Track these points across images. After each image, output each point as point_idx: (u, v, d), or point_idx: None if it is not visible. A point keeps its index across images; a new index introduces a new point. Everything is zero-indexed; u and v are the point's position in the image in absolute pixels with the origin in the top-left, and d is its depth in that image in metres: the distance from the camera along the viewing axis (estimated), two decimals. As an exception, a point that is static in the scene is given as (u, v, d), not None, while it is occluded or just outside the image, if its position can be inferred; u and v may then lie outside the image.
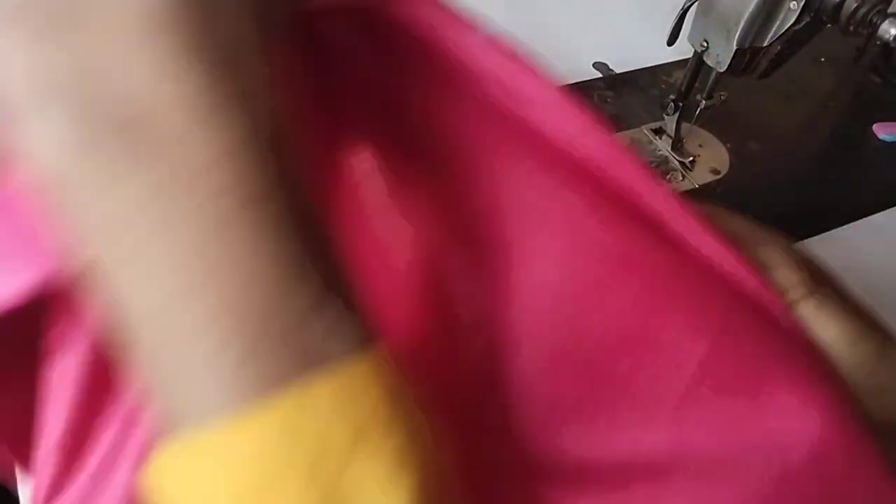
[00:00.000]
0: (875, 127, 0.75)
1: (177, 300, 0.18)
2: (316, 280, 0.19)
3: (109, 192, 0.17)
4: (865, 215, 0.66)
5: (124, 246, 0.18)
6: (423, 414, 0.20)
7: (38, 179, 0.18)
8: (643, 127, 0.69)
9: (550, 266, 0.27)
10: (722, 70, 0.57)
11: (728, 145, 0.68)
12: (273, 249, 0.18)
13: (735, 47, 0.55)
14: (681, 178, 0.65)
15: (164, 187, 0.17)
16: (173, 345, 0.18)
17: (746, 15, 0.53)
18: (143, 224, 0.17)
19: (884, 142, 0.74)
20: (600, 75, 0.75)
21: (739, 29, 0.54)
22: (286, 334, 0.18)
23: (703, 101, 0.62)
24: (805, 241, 0.63)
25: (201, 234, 0.18)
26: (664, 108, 0.65)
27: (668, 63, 0.76)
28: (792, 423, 0.26)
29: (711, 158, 0.67)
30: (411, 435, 0.19)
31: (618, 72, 0.76)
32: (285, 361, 0.18)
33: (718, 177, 0.65)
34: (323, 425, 0.18)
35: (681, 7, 0.60)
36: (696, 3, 0.58)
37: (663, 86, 0.74)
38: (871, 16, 0.51)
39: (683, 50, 0.64)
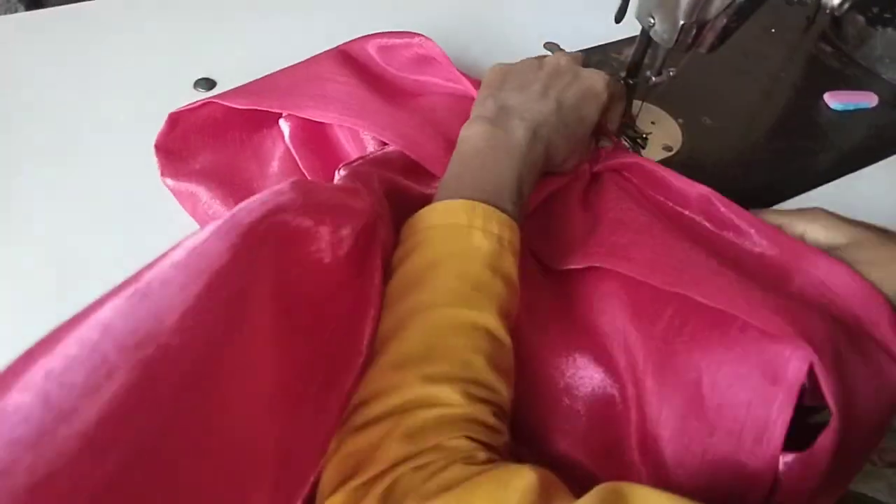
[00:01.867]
0: (826, 96, 0.75)
1: (468, 172, 0.48)
2: (512, 198, 0.47)
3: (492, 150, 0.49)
4: (817, 186, 0.66)
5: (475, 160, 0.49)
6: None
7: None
8: (595, 106, 0.68)
9: None
10: (669, 46, 0.57)
11: (680, 121, 0.68)
12: (510, 177, 0.48)
13: (681, 22, 0.55)
14: (634, 156, 0.64)
15: (498, 148, 0.49)
16: (455, 181, 0.48)
17: (690, -12, 0.52)
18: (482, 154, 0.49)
19: (835, 111, 0.74)
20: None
21: (684, 3, 0.54)
22: (488, 193, 0.46)
23: (653, 78, 0.61)
24: (760, 213, 0.63)
25: (496, 162, 0.48)
26: (615, 85, 0.65)
27: (618, 40, 0.75)
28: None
29: (664, 135, 0.66)
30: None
31: (569, 51, 0.75)
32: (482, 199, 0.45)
33: (671, 153, 0.65)
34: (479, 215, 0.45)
35: (627, -17, 0.59)
36: (641, -21, 0.58)
37: (614, 63, 0.74)
38: (813, -15, 0.51)
39: (633, 27, 0.63)
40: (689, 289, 0.43)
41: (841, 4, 0.50)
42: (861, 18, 0.80)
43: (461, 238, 0.44)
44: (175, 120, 0.57)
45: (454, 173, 0.49)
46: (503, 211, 0.45)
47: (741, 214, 0.53)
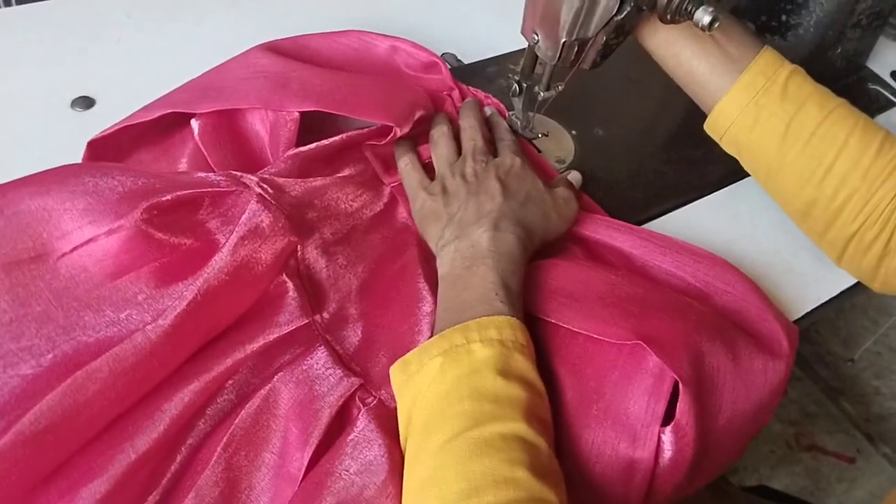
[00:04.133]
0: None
1: (454, 301, 0.48)
2: (500, 298, 0.46)
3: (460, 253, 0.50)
4: (706, 194, 0.67)
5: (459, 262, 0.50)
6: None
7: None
8: (490, 119, 0.68)
9: None
10: (553, 63, 0.57)
11: (573, 132, 0.69)
12: (492, 279, 0.47)
13: (562, 39, 0.55)
14: (527, 169, 0.64)
15: (472, 264, 0.49)
16: (445, 316, 0.47)
17: (566, 6, 0.52)
18: (461, 278, 0.49)
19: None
20: (449, 67, 0.74)
21: (564, 21, 0.54)
22: (478, 306, 0.45)
23: (542, 94, 0.61)
24: (651, 222, 0.64)
25: (473, 276, 0.48)
26: (510, 91, 0.64)
27: (515, 51, 0.75)
28: None
29: (557, 147, 0.67)
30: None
31: (466, 62, 0.75)
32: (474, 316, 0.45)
33: (563, 166, 0.66)
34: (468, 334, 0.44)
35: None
36: (525, -6, 0.57)
37: (510, 75, 0.74)
38: (685, 4, 0.52)
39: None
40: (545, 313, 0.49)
41: (711, 24, 0.51)
42: (751, 26, 0.82)
43: (462, 358, 0.43)
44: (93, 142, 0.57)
45: (442, 310, 0.48)
46: (497, 314, 0.44)
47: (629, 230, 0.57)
